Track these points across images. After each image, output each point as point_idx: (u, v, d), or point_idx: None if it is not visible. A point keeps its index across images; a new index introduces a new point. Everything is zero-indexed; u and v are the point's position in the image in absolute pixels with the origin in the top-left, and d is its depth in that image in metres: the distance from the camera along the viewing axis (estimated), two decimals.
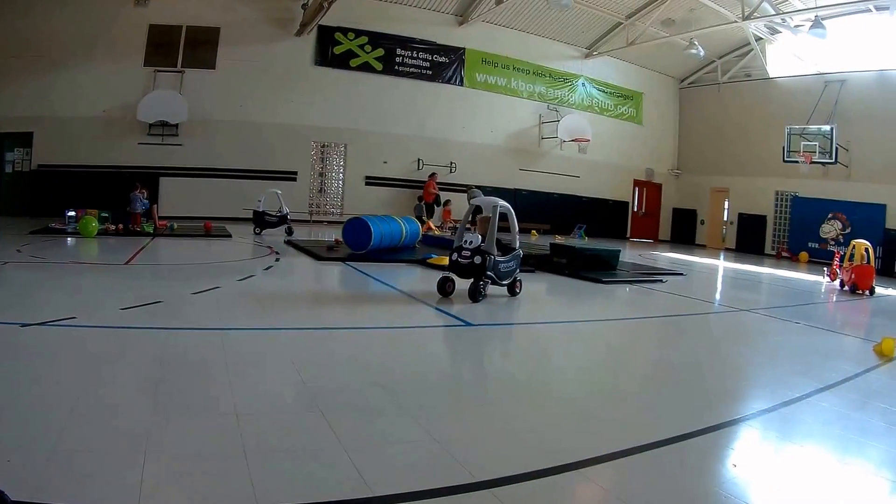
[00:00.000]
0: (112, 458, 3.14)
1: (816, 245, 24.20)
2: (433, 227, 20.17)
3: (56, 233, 15.16)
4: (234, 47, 22.16)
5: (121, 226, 16.15)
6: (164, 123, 21.29)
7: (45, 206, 19.59)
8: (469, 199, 19.28)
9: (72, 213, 16.08)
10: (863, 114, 23.55)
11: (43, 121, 20.77)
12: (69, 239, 14.49)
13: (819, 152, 23.98)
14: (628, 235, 30.88)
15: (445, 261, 11.06)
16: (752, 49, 26.20)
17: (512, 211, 9.94)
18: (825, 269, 16.19)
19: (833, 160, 23.72)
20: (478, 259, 8.84)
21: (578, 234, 25.15)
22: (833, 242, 23.27)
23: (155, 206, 17.44)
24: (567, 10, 22.82)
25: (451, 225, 21.69)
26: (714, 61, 29.21)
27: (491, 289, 9.37)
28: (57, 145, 21.04)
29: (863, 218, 22.70)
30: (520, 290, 9.90)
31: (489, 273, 8.99)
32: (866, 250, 14.19)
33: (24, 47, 20.98)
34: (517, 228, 10.23)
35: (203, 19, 21.86)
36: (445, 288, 9.18)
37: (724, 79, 29.36)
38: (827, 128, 23.88)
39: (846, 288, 14.01)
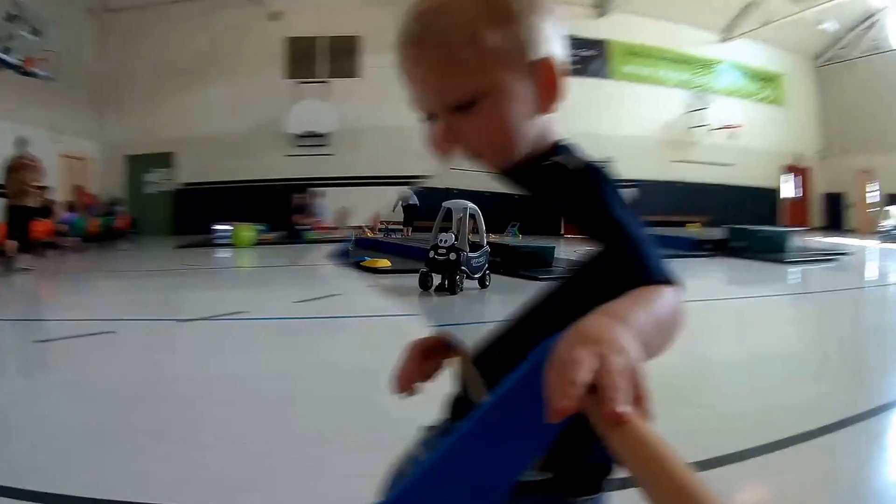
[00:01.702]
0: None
1: None
2: (367, 231, 19.93)
3: (206, 245, 16.35)
4: (377, 54, 22.06)
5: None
6: (312, 134, 21.90)
7: (189, 224, 20.55)
8: (400, 200, 19.00)
9: (224, 227, 16.99)
10: None
11: (184, 141, 21.81)
12: (224, 250, 15.75)
13: None
14: (781, 224, 29.60)
15: (380, 263, 11.49)
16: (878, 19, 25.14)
17: (479, 212, 10.33)
18: None
19: None
20: (453, 255, 9.75)
21: (512, 233, 24.61)
22: None
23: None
24: None
25: (381, 227, 20.99)
26: (845, 36, 28.14)
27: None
28: (199, 163, 22.00)
29: None
30: (489, 282, 10.35)
31: (463, 267, 9.84)
32: None
33: (161, 70, 22.08)
34: (485, 228, 10.70)
35: (340, 29, 22.48)
36: (426, 283, 9.93)
37: (855, 53, 28.15)
38: None
39: None
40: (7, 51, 15.05)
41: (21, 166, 12.13)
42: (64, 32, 17.96)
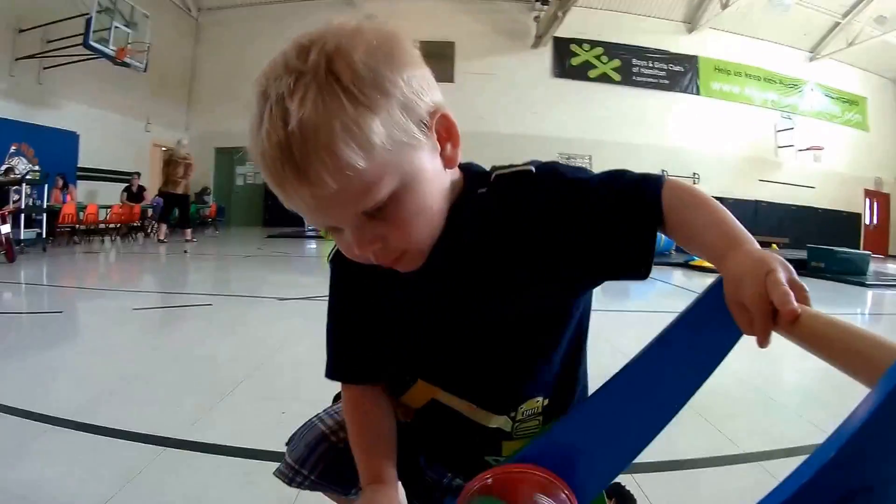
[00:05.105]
0: None
1: None
2: None
3: (296, 237, 16.99)
4: (471, 61, 23.08)
5: None
6: None
7: (278, 216, 20.94)
8: None
9: None
10: None
11: None
12: (312, 241, 16.25)
13: None
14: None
15: None
16: None
17: None
18: None
19: None
20: None
21: None
22: None
23: None
24: (787, 11, 22.35)
25: None
26: None
27: None
28: None
29: None
30: None
31: None
32: None
33: (253, 67, 22.34)
34: None
35: (435, 35, 22.49)
36: None
37: None
38: None
39: None
40: (101, 41, 15.81)
41: (169, 162, 15.31)
42: (157, 26, 18.61)
